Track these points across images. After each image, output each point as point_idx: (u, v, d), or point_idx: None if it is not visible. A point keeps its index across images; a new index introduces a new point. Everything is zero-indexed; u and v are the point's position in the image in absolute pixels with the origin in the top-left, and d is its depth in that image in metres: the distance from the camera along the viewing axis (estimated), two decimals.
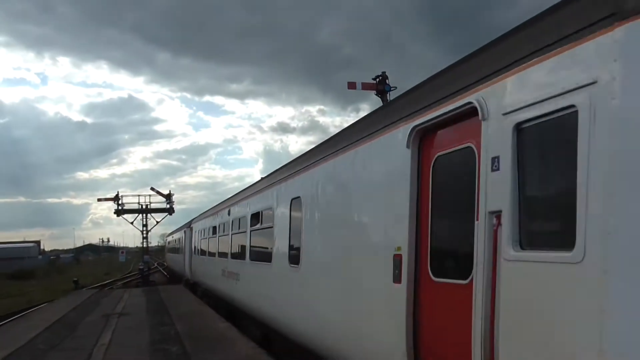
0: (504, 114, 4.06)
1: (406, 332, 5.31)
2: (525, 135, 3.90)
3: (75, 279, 36.97)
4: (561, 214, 3.58)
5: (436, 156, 5.19)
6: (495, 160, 4.13)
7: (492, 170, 4.15)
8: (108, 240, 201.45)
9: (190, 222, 30.62)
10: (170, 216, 56.68)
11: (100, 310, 17.45)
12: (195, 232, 27.00)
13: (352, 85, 23.71)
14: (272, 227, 11.22)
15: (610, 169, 3.17)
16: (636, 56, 3.10)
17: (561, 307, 3.46)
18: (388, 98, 23.05)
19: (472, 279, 4.38)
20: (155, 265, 66.50)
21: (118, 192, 57.60)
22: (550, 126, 3.67)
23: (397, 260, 5.55)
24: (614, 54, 3.17)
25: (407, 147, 5.47)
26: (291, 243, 9.72)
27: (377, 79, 23.64)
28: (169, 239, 52.04)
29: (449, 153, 5.00)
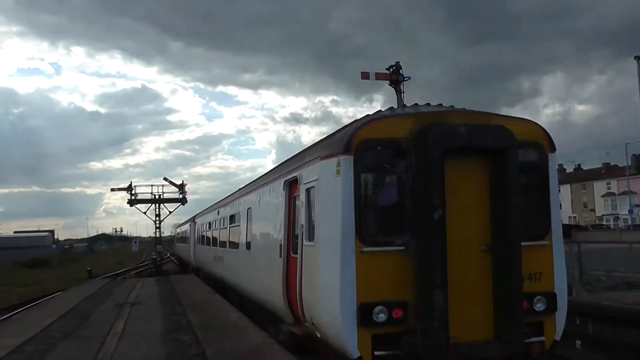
0: (304, 183, 9.43)
1: (282, 283, 10.66)
2: (309, 193, 9.27)
3: (89, 268, 37.56)
4: (314, 227, 8.93)
5: (294, 195, 10.54)
6: (303, 202, 9.49)
7: (301, 206, 9.52)
8: (121, 230, 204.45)
9: (194, 217, 36.10)
10: (183, 206, 57.96)
11: (113, 300, 17.62)
12: (198, 225, 32.46)
13: (365, 76, 23.28)
14: (239, 225, 16.67)
15: (319, 213, 8.56)
16: (324, 172, 8.44)
17: (314, 264, 8.83)
18: (402, 88, 23.09)
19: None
20: (168, 255, 65.69)
21: (131, 182, 57.11)
22: (313, 191, 9.03)
23: (280, 246, 10.95)
24: (320, 169, 8.57)
25: (283, 189, 10.85)
26: (248, 236, 15.15)
27: (391, 69, 23.19)
28: (178, 230, 54.86)
29: (297, 195, 10.36)
